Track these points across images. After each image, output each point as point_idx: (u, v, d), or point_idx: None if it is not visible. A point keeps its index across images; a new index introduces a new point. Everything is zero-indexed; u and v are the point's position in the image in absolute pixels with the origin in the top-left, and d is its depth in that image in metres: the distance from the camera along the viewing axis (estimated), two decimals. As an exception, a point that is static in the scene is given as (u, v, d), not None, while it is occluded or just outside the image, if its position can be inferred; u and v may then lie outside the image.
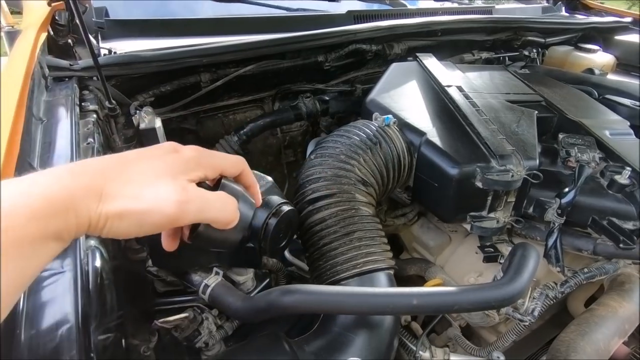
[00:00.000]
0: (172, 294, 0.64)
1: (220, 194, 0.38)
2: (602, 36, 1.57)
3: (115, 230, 0.31)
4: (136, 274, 0.62)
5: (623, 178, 0.69)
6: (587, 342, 0.60)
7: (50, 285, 0.39)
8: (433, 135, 0.77)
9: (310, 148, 1.10)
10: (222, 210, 0.36)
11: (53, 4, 0.88)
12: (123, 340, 0.46)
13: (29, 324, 0.36)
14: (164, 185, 0.32)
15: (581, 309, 0.85)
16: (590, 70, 1.23)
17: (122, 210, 0.30)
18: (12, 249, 0.25)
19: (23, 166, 0.49)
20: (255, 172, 0.62)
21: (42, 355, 0.33)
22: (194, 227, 0.40)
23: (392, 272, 0.65)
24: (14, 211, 0.26)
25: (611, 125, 0.85)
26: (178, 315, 0.57)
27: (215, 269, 0.60)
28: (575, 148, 0.76)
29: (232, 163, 0.41)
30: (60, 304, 0.38)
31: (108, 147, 0.76)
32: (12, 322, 0.35)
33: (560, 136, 0.81)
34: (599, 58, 1.37)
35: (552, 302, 0.69)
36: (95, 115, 0.71)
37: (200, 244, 0.41)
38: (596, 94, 1.03)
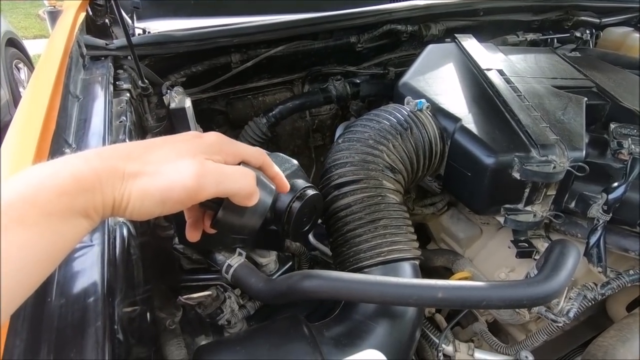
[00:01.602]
0: (197, 272, 0.65)
1: (238, 167, 0.37)
2: (667, 16, 1.41)
3: (138, 210, 0.31)
4: (164, 251, 0.63)
5: (683, 174, 0.62)
6: (627, 349, 0.55)
7: (81, 257, 0.41)
8: (469, 121, 0.73)
9: (339, 132, 1.08)
10: (241, 183, 0.36)
11: (91, -16, 0.90)
12: (148, 314, 0.47)
13: (59, 292, 0.37)
14: (183, 162, 0.32)
15: (622, 313, 0.79)
16: (652, 54, 1.11)
17: (143, 188, 0.30)
18: (43, 221, 0.26)
19: (59, 142, 0.51)
20: (281, 154, 0.61)
21: (69, 322, 0.34)
22: (214, 216, 0.40)
23: (417, 262, 0.63)
24: (44, 187, 0.27)
25: (672, 115, 0.76)
26: (201, 292, 0.58)
27: (238, 249, 0.60)
28: (629, 139, 0.69)
29: (253, 153, 0.40)
30: (89, 275, 0.39)
31: (140, 126, 0.78)
32: (44, 290, 0.37)
33: (612, 126, 0.74)
34: (663, 41, 1.23)
35: (590, 304, 0.64)
36: (128, 94, 0.73)
37: (221, 229, 0.40)
38: (657, 80, 0.93)
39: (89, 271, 0.39)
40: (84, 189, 0.28)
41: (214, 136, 0.37)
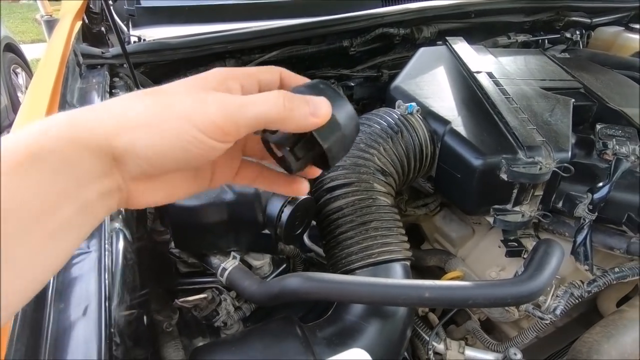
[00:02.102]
0: (194, 275, 0.67)
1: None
2: (658, 15, 1.43)
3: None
4: (160, 255, 0.65)
5: (666, 173, 0.64)
6: (612, 345, 0.57)
7: (79, 264, 0.42)
8: (458, 124, 0.74)
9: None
10: (269, 102, 0.25)
11: (87, -7, 0.92)
12: (145, 317, 0.49)
13: (58, 298, 0.39)
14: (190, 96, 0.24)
15: (612, 309, 0.80)
16: (640, 54, 1.13)
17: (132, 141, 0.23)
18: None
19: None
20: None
21: (67, 327, 0.36)
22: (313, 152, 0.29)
23: (408, 263, 0.65)
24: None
25: (658, 115, 0.78)
26: (197, 295, 0.60)
27: (233, 253, 0.62)
28: (614, 140, 0.71)
29: (266, 68, 0.30)
30: (86, 281, 0.41)
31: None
32: (43, 296, 0.39)
33: (598, 126, 0.75)
34: (653, 40, 1.25)
35: (577, 301, 0.66)
36: (124, 102, 0.75)
37: (333, 158, 0.28)
38: (644, 80, 0.95)
39: (87, 277, 0.41)
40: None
41: (216, 69, 0.28)
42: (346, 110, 0.28)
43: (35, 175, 0.20)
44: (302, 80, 0.30)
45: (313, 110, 0.26)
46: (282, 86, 0.30)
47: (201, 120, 0.23)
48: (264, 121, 0.25)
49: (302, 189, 0.33)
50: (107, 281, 0.40)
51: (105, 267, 0.41)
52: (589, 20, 1.35)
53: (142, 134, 0.23)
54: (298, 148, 0.29)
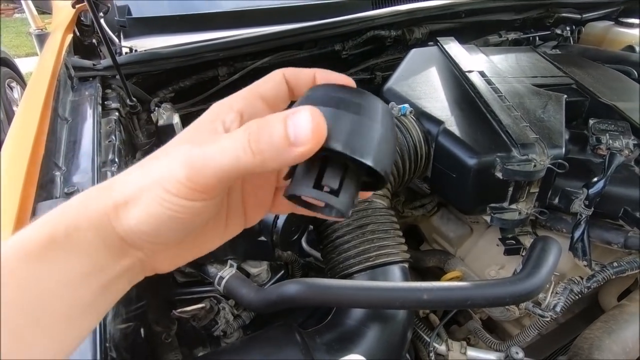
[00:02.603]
0: (191, 285, 0.67)
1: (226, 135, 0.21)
2: (647, 8, 1.44)
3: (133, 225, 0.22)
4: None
5: (660, 166, 0.64)
6: (613, 340, 0.57)
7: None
8: (451, 124, 0.74)
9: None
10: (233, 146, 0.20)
11: (77, 6, 0.92)
12: (142, 329, 0.49)
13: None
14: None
15: (613, 303, 0.80)
16: (631, 48, 1.14)
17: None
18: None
19: (48, 166, 0.52)
20: None
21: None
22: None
23: (406, 265, 0.65)
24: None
25: (650, 109, 0.78)
26: (194, 305, 0.60)
27: (230, 261, 0.62)
28: (607, 134, 0.71)
29: (267, 77, 0.25)
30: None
31: (130, 144, 0.80)
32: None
33: (591, 122, 0.76)
34: (643, 33, 1.26)
35: (577, 297, 0.66)
36: (117, 113, 0.74)
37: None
38: (636, 74, 0.95)
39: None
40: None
41: (213, 105, 0.24)
42: (370, 104, 0.21)
43: (50, 263, 0.20)
44: (309, 75, 0.25)
45: (293, 139, 0.19)
46: (291, 89, 0.25)
47: (169, 182, 0.20)
48: (236, 172, 0.20)
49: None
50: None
51: (100, 281, 0.41)
52: (579, 16, 1.35)
53: (133, 210, 0.21)
54: (328, 179, 0.21)
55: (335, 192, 0.21)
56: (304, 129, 0.19)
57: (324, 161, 0.21)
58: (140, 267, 0.24)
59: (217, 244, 0.27)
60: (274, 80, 0.25)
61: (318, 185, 0.21)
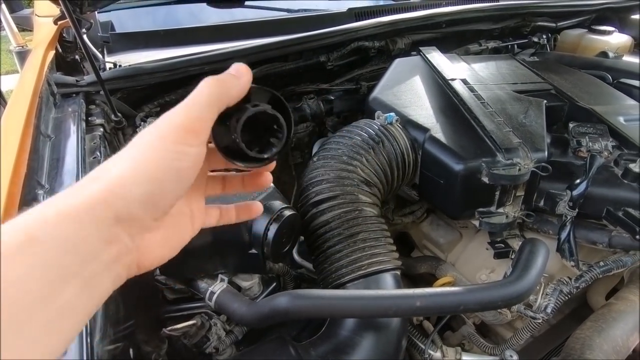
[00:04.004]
0: (182, 301, 0.65)
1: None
2: (618, 16, 1.50)
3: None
4: (146, 283, 0.63)
5: (638, 166, 0.66)
6: (603, 339, 0.57)
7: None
8: (437, 131, 0.76)
9: (315, 149, 1.10)
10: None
11: (59, 22, 0.91)
12: (131, 350, 0.47)
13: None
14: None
15: (602, 302, 0.82)
16: (604, 54, 1.18)
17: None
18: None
19: (30, 185, 0.51)
20: None
21: (47, 368, 0.34)
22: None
23: (398, 272, 0.65)
24: None
25: (626, 111, 0.81)
26: (185, 322, 0.58)
27: (220, 275, 0.61)
28: (587, 137, 0.73)
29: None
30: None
31: (116, 159, 0.78)
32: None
33: (571, 125, 0.78)
34: (615, 39, 1.31)
35: (566, 297, 0.67)
36: (101, 129, 0.73)
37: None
38: (610, 78, 0.99)
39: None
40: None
41: None
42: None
43: (32, 260, 0.20)
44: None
45: (236, 74, 0.29)
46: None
47: (170, 132, 0.25)
48: (216, 100, 0.27)
49: (267, 181, 0.37)
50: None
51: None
52: (554, 24, 1.40)
53: (133, 175, 0.24)
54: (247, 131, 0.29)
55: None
56: (241, 67, 0.29)
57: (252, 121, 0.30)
58: (127, 260, 0.25)
59: (186, 240, 0.32)
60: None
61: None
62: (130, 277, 0.27)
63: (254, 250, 0.58)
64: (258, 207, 0.39)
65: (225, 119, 0.29)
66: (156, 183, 0.24)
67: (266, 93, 0.32)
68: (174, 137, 0.25)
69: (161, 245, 0.29)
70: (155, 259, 0.28)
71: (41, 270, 0.20)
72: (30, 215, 0.22)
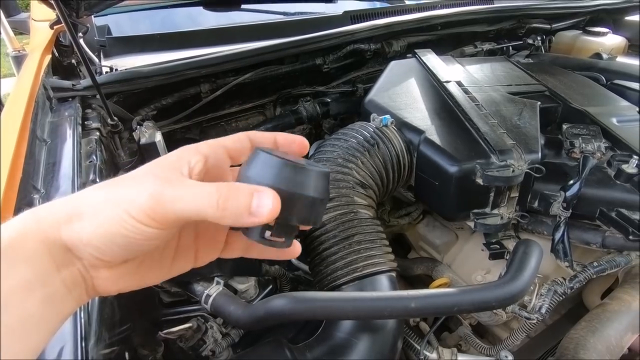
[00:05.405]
0: (178, 304, 0.65)
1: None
2: (612, 18, 1.51)
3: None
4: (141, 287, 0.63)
5: (630, 167, 0.66)
6: (597, 338, 0.58)
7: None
8: (432, 133, 0.76)
9: (311, 151, 1.10)
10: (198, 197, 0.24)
11: (55, 27, 0.91)
12: (127, 353, 0.47)
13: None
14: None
15: (597, 302, 0.82)
16: (598, 55, 1.19)
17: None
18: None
19: (26, 189, 0.51)
20: None
21: (43, 371, 0.34)
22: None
23: (394, 274, 0.65)
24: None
25: (619, 112, 0.82)
26: (181, 325, 0.58)
27: (216, 278, 0.61)
28: (580, 138, 0.74)
29: (234, 136, 0.29)
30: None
31: (112, 163, 0.79)
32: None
33: (564, 127, 0.78)
34: (609, 41, 1.32)
35: (561, 298, 0.67)
36: (98, 133, 0.74)
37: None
38: (604, 79, 1.00)
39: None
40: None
41: (181, 148, 0.27)
42: (309, 178, 0.26)
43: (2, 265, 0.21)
44: (271, 138, 0.30)
45: (255, 209, 0.24)
46: (253, 147, 0.29)
47: (132, 207, 0.23)
48: (196, 217, 0.24)
49: (296, 251, 0.32)
50: (83, 320, 0.39)
51: (81, 308, 0.40)
52: (548, 26, 1.41)
53: (87, 223, 0.23)
54: (276, 230, 0.26)
55: (279, 236, 0.27)
56: (265, 208, 0.24)
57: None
58: (84, 285, 0.25)
59: (159, 279, 0.29)
60: (239, 138, 0.29)
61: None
62: (93, 298, 0.27)
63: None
64: (297, 248, 0.32)
65: None
66: (105, 239, 0.24)
67: None
68: (132, 212, 0.23)
69: (122, 279, 0.27)
70: (113, 288, 0.27)
71: (7, 280, 0.21)
72: (13, 222, 0.23)
